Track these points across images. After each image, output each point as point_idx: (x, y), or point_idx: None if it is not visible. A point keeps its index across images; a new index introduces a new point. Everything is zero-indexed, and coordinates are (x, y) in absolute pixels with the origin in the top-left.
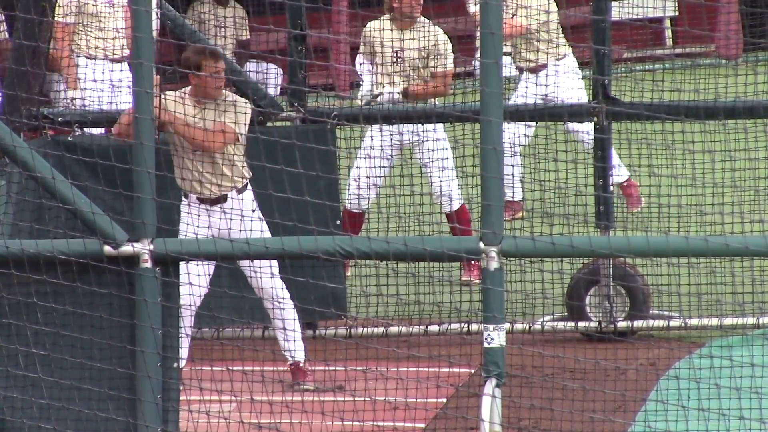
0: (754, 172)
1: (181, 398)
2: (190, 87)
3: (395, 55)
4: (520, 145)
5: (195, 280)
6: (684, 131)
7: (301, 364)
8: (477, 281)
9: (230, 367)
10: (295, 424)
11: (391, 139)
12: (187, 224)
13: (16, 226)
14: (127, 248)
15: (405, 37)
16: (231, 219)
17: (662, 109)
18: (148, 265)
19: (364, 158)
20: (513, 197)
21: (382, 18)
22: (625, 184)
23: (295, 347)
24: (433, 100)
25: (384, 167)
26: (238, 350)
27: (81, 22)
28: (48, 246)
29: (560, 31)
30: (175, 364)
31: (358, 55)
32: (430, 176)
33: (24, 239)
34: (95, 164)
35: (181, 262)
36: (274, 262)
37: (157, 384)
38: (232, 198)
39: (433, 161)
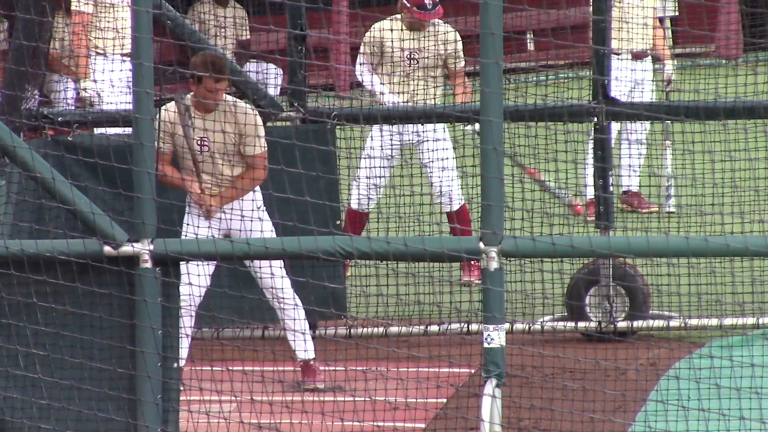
0: (754, 172)
1: (181, 398)
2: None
3: (410, 56)
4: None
5: (195, 280)
6: (684, 131)
7: (311, 363)
8: (477, 281)
9: (230, 367)
10: (295, 424)
11: (392, 139)
12: (188, 224)
13: (16, 226)
14: (127, 248)
15: (418, 37)
16: (232, 219)
17: (662, 109)
18: (148, 265)
19: (367, 158)
20: (630, 186)
21: (390, 18)
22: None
23: (304, 347)
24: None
25: (385, 167)
26: (238, 350)
27: (96, 14)
28: (48, 246)
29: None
30: (175, 364)
31: (359, 55)
32: (431, 176)
33: (24, 239)
34: (95, 164)
35: (181, 262)
36: (279, 262)
37: (157, 384)
38: (242, 199)
39: (433, 161)
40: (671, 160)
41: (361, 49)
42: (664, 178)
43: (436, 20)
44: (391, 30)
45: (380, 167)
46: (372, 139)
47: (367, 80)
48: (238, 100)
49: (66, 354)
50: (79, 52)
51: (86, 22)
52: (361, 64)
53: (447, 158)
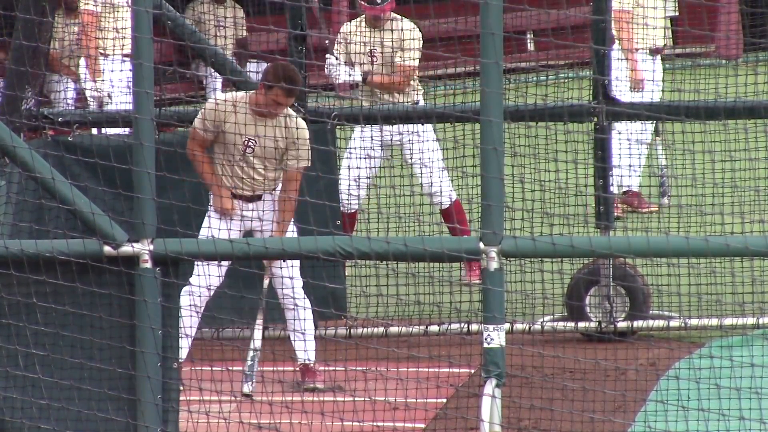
0: (754, 172)
1: (181, 398)
2: (248, 95)
3: (369, 54)
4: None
5: (207, 281)
6: (684, 131)
7: (311, 366)
8: (477, 282)
9: (230, 367)
10: (295, 424)
11: (373, 139)
12: (209, 227)
13: (16, 226)
14: (126, 248)
15: (377, 35)
16: (253, 221)
17: (662, 109)
18: (148, 265)
19: (350, 159)
20: (630, 186)
21: (358, 19)
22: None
23: (304, 347)
24: (416, 97)
25: (371, 167)
26: (238, 350)
27: (98, 15)
28: (48, 246)
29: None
30: (175, 364)
31: (328, 56)
32: (420, 176)
33: (24, 239)
34: (95, 164)
35: (196, 262)
36: (297, 262)
37: (157, 384)
38: (265, 200)
39: (421, 160)
40: (664, 153)
41: (335, 48)
42: (658, 171)
43: (396, 16)
44: (356, 27)
45: (365, 167)
46: (355, 139)
47: (331, 69)
48: (293, 112)
49: (66, 354)
50: (89, 52)
51: (95, 22)
52: (327, 57)
53: (432, 158)
